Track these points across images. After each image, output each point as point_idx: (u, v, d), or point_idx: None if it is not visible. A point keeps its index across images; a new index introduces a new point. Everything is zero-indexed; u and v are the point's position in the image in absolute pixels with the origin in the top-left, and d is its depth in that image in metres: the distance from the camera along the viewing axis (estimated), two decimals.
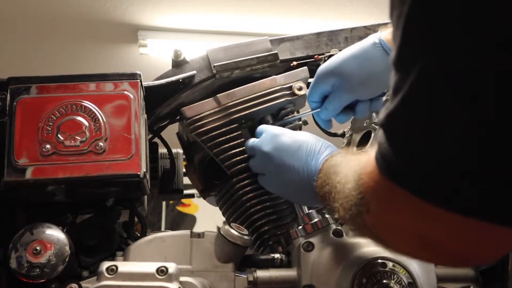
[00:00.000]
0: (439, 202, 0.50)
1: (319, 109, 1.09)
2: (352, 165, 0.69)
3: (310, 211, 1.03)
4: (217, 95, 1.08)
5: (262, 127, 1.05)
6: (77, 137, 0.94)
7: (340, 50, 1.15)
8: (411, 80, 0.49)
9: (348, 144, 1.20)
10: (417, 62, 0.48)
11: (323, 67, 1.06)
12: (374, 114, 1.14)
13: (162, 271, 0.90)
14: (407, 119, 0.50)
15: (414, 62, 0.48)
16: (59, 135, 0.94)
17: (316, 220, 1.00)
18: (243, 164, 1.07)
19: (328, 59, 1.14)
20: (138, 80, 1.00)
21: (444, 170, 0.49)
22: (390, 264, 0.91)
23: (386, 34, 1.00)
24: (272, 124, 1.10)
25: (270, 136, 1.00)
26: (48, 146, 0.93)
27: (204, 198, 1.21)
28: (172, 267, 0.91)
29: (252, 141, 1.04)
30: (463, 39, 0.45)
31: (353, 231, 0.92)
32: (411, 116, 0.50)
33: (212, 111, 1.08)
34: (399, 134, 0.52)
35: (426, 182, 0.50)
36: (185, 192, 1.27)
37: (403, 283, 0.90)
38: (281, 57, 1.15)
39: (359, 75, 1.01)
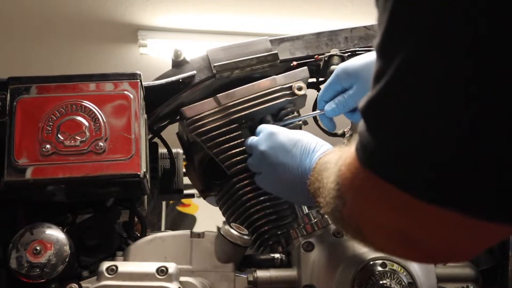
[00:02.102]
0: (419, 193, 0.49)
1: (323, 112, 1.09)
2: (336, 158, 0.68)
3: (310, 211, 1.03)
4: (217, 95, 1.08)
5: (261, 127, 1.05)
6: (77, 137, 0.94)
7: (340, 50, 1.15)
8: (395, 67, 0.47)
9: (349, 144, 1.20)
10: (402, 49, 0.47)
11: (345, 66, 1.03)
12: None
13: (162, 271, 0.90)
14: (389, 107, 0.49)
15: (399, 49, 0.47)
16: (59, 135, 0.94)
17: (316, 220, 1.00)
18: (243, 164, 1.07)
19: (328, 59, 1.14)
20: (138, 80, 1.00)
21: (425, 160, 0.47)
22: (390, 264, 0.91)
23: None
24: (271, 124, 1.10)
25: (267, 134, 1.00)
26: (48, 146, 0.93)
27: (204, 198, 1.21)
28: (172, 267, 0.91)
29: (251, 139, 1.04)
30: (450, 28, 0.44)
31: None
32: (394, 104, 0.48)
33: (212, 111, 1.08)
34: (380, 122, 0.50)
35: (406, 172, 0.49)
36: (185, 192, 1.27)
37: (403, 283, 0.90)
38: (281, 57, 1.15)
39: None
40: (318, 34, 1.19)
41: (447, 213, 0.48)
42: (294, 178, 0.93)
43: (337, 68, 1.05)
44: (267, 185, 1.03)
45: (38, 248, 0.91)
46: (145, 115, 1.06)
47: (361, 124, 0.53)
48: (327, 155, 0.86)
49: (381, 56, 0.50)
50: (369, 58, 1.02)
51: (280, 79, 1.11)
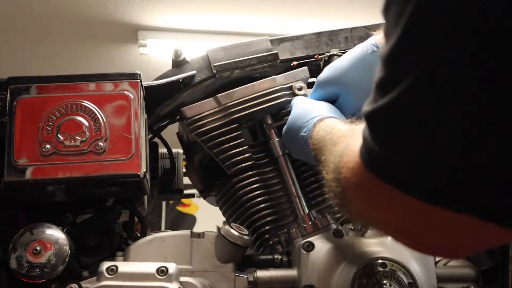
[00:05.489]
0: (429, 198, 0.50)
1: None
2: (334, 151, 0.70)
3: (310, 211, 1.03)
4: (217, 95, 1.08)
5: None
6: (77, 137, 0.94)
7: (340, 50, 1.15)
8: (410, 81, 0.48)
9: None
10: (418, 63, 0.48)
11: (323, 76, 1.05)
12: None
13: (162, 271, 0.90)
14: (401, 118, 0.50)
15: (414, 63, 0.48)
16: (59, 135, 0.94)
17: (316, 220, 1.00)
18: (243, 164, 1.07)
19: (328, 59, 1.14)
20: (138, 80, 1.00)
21: (434, 167, 0.49)
22: (390, 264, 0.91)
23: (380, 39, 0.99)
24: (271, 124, 1.10)
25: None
26: (48, 146, 0.93)
27: (204, 198, 1.21)
28: (172, 267, 0.91)
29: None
30: (469, 46, 0.45)
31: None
32: (406, 116, 0.50)
33: (212, 111, 1.07)
34: (389, 131, 0.52)
35: (415, 178, 0.50)
36: (185, 192, 1.27)
37: (403, 283, 0.90)
38: (281, 57, 1.15)
39: (364, 87, 1.00)
40: (318, 34, 1.19)
41: (456, 216, 0.50)
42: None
43: (318, 80, 1.06)
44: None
45: (38, 248, 0.91)
46: (145, 115, 1.06)
47: (365, 130, 0.54)
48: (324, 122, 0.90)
49: (389, 66, 0.51)
50: (347, 63, 1.02)
51: (280, 79, 1.11)
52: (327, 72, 1.05)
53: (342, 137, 0.73)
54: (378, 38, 0.99)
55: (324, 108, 0.98)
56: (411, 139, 0.50)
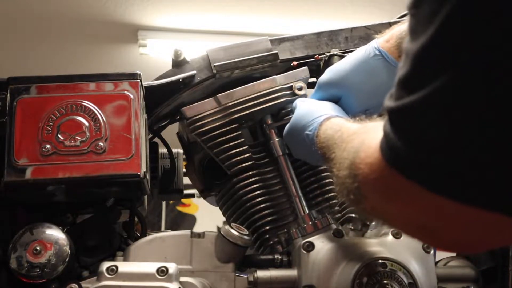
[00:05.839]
0: (458, 197, 0.50)
1: None
2: (347, 148, 0.70)
3: (310, 211, 1.03)
4: (217, 95, 1.08)
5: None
6: (77, 137, 0.94)
7: (340, 50, 1.15)
8: (445, 80, 0.48)
9: None
10: (451, 66, 0.48)
11: (325, 78, 1.04)
12: None
13: (162, 271, 0.90)
14: (430, 117, 0.50)
15: (450, 63, 0.48)
16: (59, 135, 0.94)
17: (316, 220, 1.00)
18: (243, 164, 1.07)
19: (328, 59, 1.14)
20: (138, 80, 1.00)
21: (465, 167, 0.49)
22: (390, 264, 0.91)
23: (382, 43, 0.99)
24: (272, 124, 1.10)
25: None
26: (48, 146, 0.93)
27: (204, 198, 1.21)
28: (172, 267, 0.91)
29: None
30: (507, 51, 0.45)
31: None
32: (436, 115, 0.50)
33: (212, 111, 1.07)
34: (416, 130, 0.52)
35: (443, 177, 0.51)
36: (185, 192, 1.27)
37: (404, 283, 0.90)
38: (281, 57, 1.15)
39: (366, 90, 1.01)
40: (318, 34, 1.19)
41: (487, 215, 0.50)
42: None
43: (320, 82, 1.05)
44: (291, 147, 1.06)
45: (38, 248, 0.91)
46: (145, 115, 1.06)
47: (386, 125, 0.54)
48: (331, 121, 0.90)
49: (420, 63, 0.51)
50: (349, 66, 1.02)
51: (280, 79, 1.11)
52: (328, 74, 1.04)
53: (353, 134, 0.73)
54: (380, 42, 0.99)
55: (329, 108, 0.98)
56: (442, 138, 0.50)
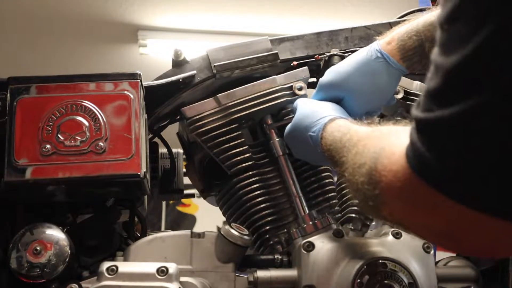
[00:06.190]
0: (487, 208, 0.51)
1: None
2: (363, 153, 0.69)
3: (310, 211, 1.03)
4: (217, 95, 1.08)
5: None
6: (77, 137, 0.94)
7: (340, 50, 1.15)
8: (483, 98, 0.49)
9: None
10: (489, 87, 0.48)
11: (326, 80, 1.04)
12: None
13: (162, 271, 0.90)
14: (464, 133, 0.51)
15: (484, 85, 0.49)
16: (59, 135, 0.94)
17: (316, 220, 1.00)
18: (243, 164, 1.07)
19: (328, 59, 1.14)
20: (138, 80, 1.00)
21: (494, 181, 0.50)
22: (390, 265, 0.91)
23: (384, 45, 0.99)
24: (272, 124, 1.10)
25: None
26: (48, 146, 0.93)
27: (204, 198, 1.21)
28: (172, 267, 0.91)
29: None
30: None
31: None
32: (470, 131, 0.50)
33: (212, 111, 1.07)
34: (447, 143, 0.52)
35: (472, 190, 0.51)
36: (185, 192, 1.27)
37: (404, 283, 0.90)
38: (281, 57, 1.15)
39: (368, 92, 1.01)
40: (319, 34, 1.19)
41: (506, 224, 0.50)
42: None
43: (321, 83, 1.05)
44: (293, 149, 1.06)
45: (38, 248, 0.91)
46: (145, 115, 1.06)
47: (414, 134, 0.55)
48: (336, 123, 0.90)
49: (455, 78, 0.51)
50: (350, 67, 1.02)
51: (280, 79, 1.11)
52: (330, 75, 1.04)
53: (366, 139, 0.73)
54: (381, 44, 0.99)
55: (333, 109, 0.98)
56: (475, 154, 0.50)
